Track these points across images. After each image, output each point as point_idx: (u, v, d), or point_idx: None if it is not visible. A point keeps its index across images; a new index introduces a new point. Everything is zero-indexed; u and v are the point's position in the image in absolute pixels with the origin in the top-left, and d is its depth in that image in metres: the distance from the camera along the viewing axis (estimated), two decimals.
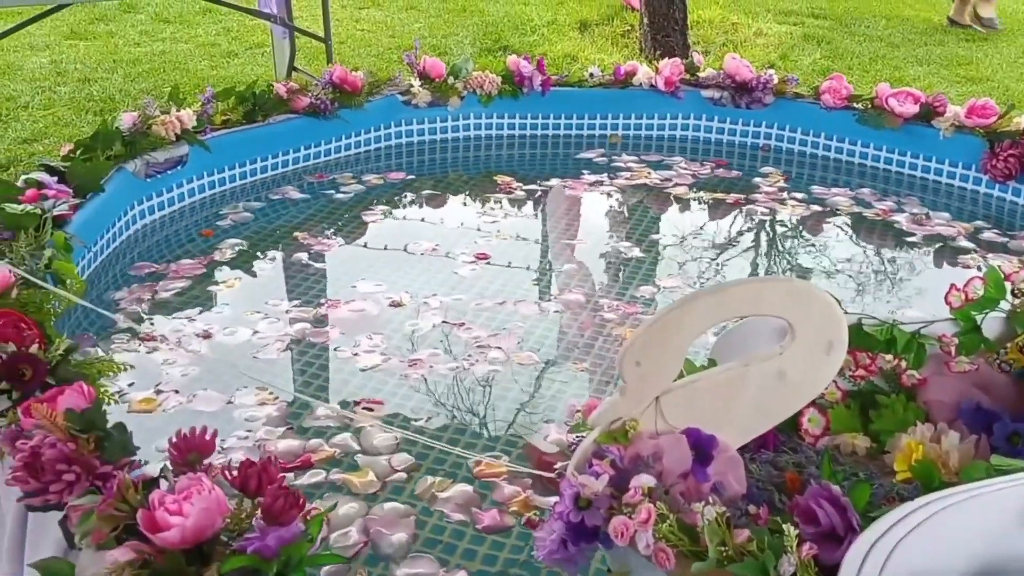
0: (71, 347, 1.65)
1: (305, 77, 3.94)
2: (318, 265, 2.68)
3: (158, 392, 2.03)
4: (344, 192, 3.18)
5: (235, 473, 1.31)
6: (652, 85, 3.68)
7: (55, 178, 2.45)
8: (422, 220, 3.02)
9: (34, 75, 5.60)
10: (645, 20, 6.24)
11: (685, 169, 3.44)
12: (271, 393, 2.02)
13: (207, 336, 2.28)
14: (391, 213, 3.05)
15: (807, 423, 1.58)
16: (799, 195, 3.21)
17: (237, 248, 2.74)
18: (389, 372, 2.16)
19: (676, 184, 3.32)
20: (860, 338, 1.64)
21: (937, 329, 1.65)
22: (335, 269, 2.68)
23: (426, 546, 1.65)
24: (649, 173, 3.40)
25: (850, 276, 2.71)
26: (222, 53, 6.19)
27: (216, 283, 2.55)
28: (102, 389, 1.59)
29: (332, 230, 2.89)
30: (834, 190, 3.25)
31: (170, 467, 1.37)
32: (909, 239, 2.92)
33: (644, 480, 1.29)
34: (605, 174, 3.40)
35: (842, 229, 3.00)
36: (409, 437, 1.87)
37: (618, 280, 2.67)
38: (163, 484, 1.34)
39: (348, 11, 7.27)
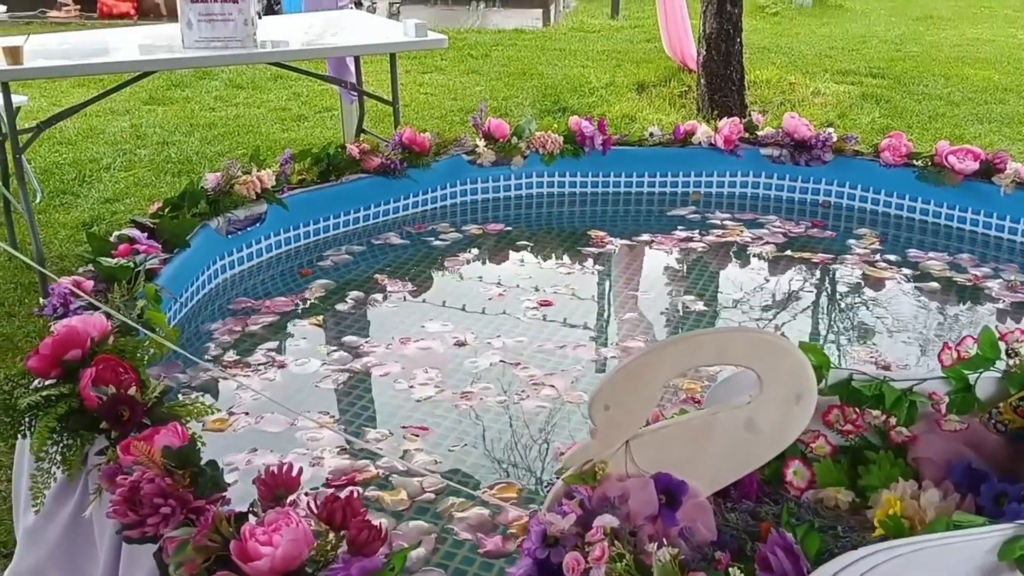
0: (165, 390, 1.75)
1: (374, 139, 4.10)
2: (393, 305, 2.86)
3: (230, 413, 2.20)
4: (442, 240, 3.34)
5: (321, 507, 1.38)
6: (711, 144, 3.75)
7: (145, 234, 2.59)
8: (499, 268, 3.17)
9: (115, 138, 5.90)
10: (703, 81, 6.35)
11: (779, 228, 3.44)
12: (332, 417, 2.21)
13: (282, 366, 2.46)
14: (475, 261, 3.20)
15: (792, 475, 1.59)
16: (892, 257, 3.17)
17: (327, 288, 2.93)
18: (440, 403, 2.29)
19: (766, 242, 3.31)
20: (849, 393, 1.64)
21: (929, 387, 1.65)
22: (409, 309, 2.85)
23: (445, 559, 1.75)
24: (741, 231, 3.41)
25: (920, 333, 2.72)
26: (292, 117, 6.45)
27: (301, 318, 2.75)
28: (192, 432, 1.68)
29: (412, 274, 3.05)
30: (931, 254, 3.18)
31: (259, 502, 1.45)
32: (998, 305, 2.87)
33: (607, 520, 1.33)
34: (697, 231, 3.43)
35: (931, 294, 2.97)
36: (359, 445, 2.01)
37: (678, 332, 2.73)
38: (252, 518, 1.42)
39: (412, 75, 7.52)
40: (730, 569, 1.24)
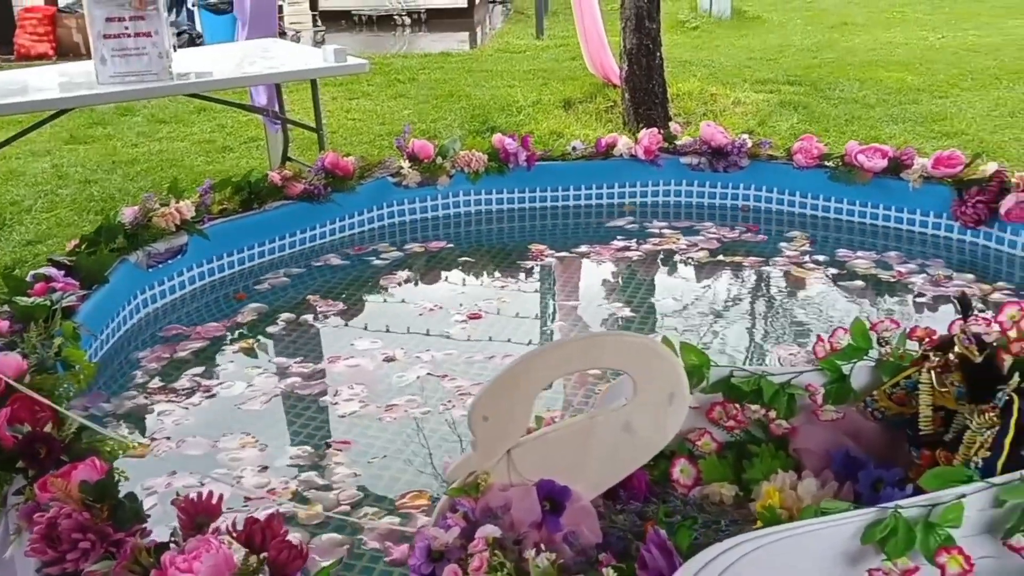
0: (81, 427, 1.73)
1: (299, 166, 4.09)
2: (324, 326, 2.87)
3: (152, 439, 2.23)
4: (383, 259, 3.37)
5: (240, 530, 1.38)
6: (632, 155, 3.83)
7: (62, 272, 2.56)
8: (432, 287, 3.21)
9: (36, 179, 5.78)
10: (627, 95, 6.46)
11: (714, 234, 3.50)
12: (252, 436, 2.23)
13: (207, 391, 2.47)
14: (412, 280, 3.23)
15: (678, 473, 1.62)
16: (821, 258, 3.24)
17: (259, 311, 2.94)
18: (365, 417, 2.32)
19: (700, 248, 3.37)
20: (730, 389, 1.68)
21: (807, 379, 1.69)
22: (340, 329, 2.87)
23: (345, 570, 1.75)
24: (678, 238, 3.47)
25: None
26: (217, 148, 6.39)
27: (231, 343, 2.76)
28: (111, 464, 1.66)
29: (345, 294, 3.07)
30: (859, 253, 3.26)
31: (179, 530, 1.44)
32: (920, 299, 2.95)
33: (488, 531, 1.35)
34: (635, 240, 3.48)
35: (857, 291, 3.04)
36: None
37: None
38: (172, 547, 1.41)
39: (339, 102, 7.51)
40: (606, 569, 1.25)
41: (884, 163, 3.43)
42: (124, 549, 1.37)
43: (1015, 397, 1.45)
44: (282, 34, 7.94)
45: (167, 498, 1.90)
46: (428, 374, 2.52)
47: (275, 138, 5.15)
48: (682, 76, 7.89)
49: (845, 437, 1.63)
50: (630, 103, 6.43)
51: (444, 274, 3.30)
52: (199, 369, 2.59)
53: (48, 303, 2.30)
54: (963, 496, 1.28)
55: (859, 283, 3.06)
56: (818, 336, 1.72)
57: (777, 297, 3.09)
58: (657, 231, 3.57)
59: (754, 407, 1.65)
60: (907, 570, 1.24)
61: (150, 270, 2.92)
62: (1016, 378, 1.45)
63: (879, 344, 1.63)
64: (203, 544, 1.35)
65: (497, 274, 3.27)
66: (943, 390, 1.50)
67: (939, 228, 3.36)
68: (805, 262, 3.23)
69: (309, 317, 2.91)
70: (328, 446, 2.19)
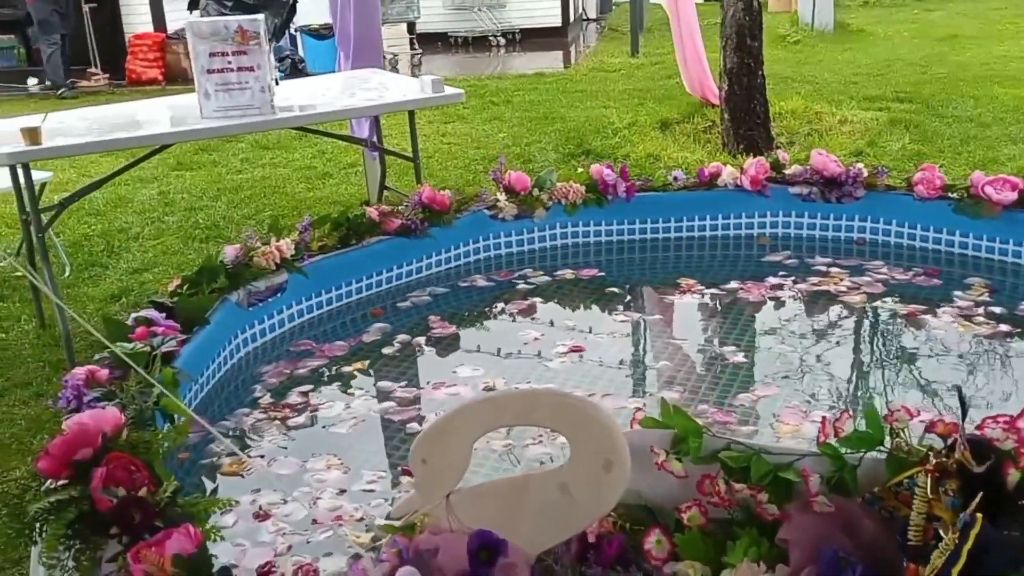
0: (178, 488, 1.69)
1: (396, 195, 4.07)
2: (437, 348, 2.93)
3: (249, 456, 2.33)
4: (530, 283, 3.39)
5: None
6: (738, 185, 3.67)
7: (163, 314, 2.56)
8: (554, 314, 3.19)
9: (144, 207, 5.93)
10: (726, 116, 6.27)
11: (883, 275, 3.22)
12: (339, 459, 2.28)
13: (315, 409, 2.57)
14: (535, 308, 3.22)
15: (651, 544, 1.52)
16: (997, 310, 2.88)
17: (383, 331, 3.02)
18: None
19: (861, 291, 3.11)
20: (722, 464, 1.54)
21: (809, 463, 1.52)
22: (450, 354, 2.91)
23: None
24: (842, 278, 3.22)
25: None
26: (318, 175, 6.46)
27: (348, 363, 2.83)
28: (208, 527, 1.62)
29: (466, 320, 3.13)
30: None
31: None
32: None
33: (405, 572, 1.40)
34: (792, 277, 3.28)
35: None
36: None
37: (718, 383, 2.64)
38: None
39: (434, 126, 7.53)
40: None
41: (1014, 196, 3.20)
42: None
43: (979, 520, 1.27)
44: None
45: (248, 514, 2.03)
46: None
47: (373, 165, 5.16)
48: (784, 93, 7.65)
49: (840, 534, 1.46)
50: (730, 124, 6.25)
51: (599, 303, 3.27)
52: (308, 387, 2.68)
53: (148, 348, 2.30)
54: None
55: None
56: (823, 417, 1.55)
57: (924, 362, 2.73)
58: (824, 268, 3.33)
59: (739, 486, 1.51)
60: None
61: (250, 309, 2.91)
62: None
63: (890, 436, 1.44)
64: None
65: (619, 307, 3.22)
66: (935, 499, 1.31)
67: None
68: (976, 314, 2.88)
69: (422, 340, 2.96)
70: (406, 473, 2.16)
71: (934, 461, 1.34)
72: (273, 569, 1.71)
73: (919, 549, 1.37)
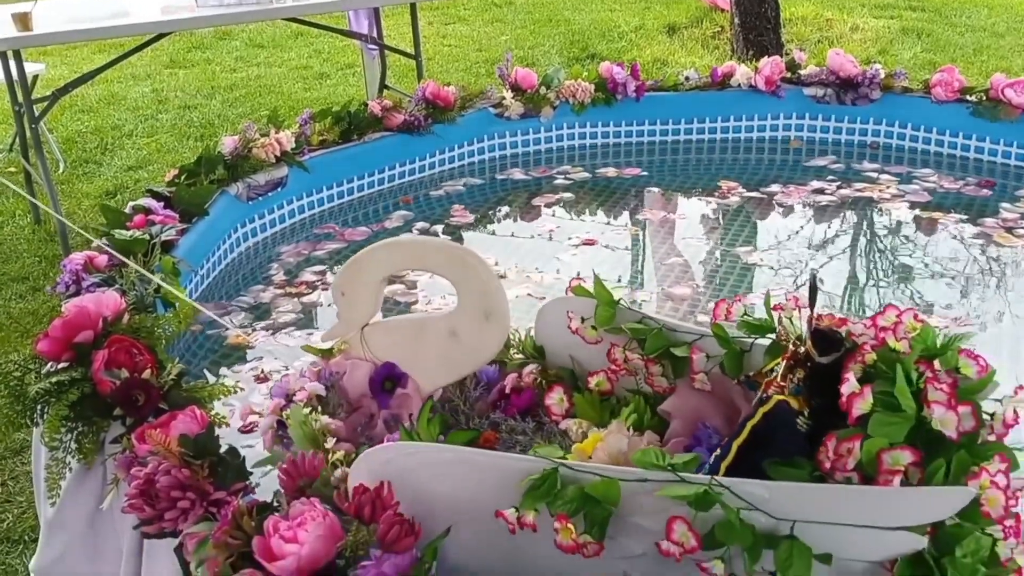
0: (183, 372, 1.65)
1: (397, 95, 3.95)
2: (448, 238, 2.89)
3: (253, 329, 2.41)
4: (568, 179, 3.37)
5: (350, 500, 1.28)
6: (751, 85, 3.57)
7: (161, 203, 2.49)
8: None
9: (137, 104, 5.79)
10: (736, 20, 6.10)
11: (933, 183, 3.11)
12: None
13: (314, 288, 2.61)
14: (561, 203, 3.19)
15: (551, 399, 1.60)
16: None
17: (405, 219, 3.05)
18: None
19: (908, 200, 3.01)
20: (634, 333, 1.57)
21: (706, 344, 1.53)
22: (465, 243, 2.88)
23: None
24: (887, 185, 3.12)
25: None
26: (314, 75, 6.29)
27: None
28: (212, 412, 1.58)
29: (494, 209, 3.14)
30: None
31: (283, 494, 1.35)
32: None
33: (312, 387, 1.58)
34: (837, 182, 3.18)
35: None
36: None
37: (716, 282, 2.61)
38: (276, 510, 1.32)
39: (435, 27, 7.32)
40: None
41: None
42: (225, 512, 1.29)
43: (772, 400, 1.29)
44: None
45: (249, 380, 2.14)
46: (528, 294, 2.51)
47: (372, 65, 5.00)
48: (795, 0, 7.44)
49: (718, 414, 1.49)
50: (740, 28, 6.07)
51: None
52: (322, 268, 2.72)
53: (147, 236, 2.24)
54: (644, 480, 1.19)
55: None
56: (720, 299, 1.55)
57: (962, 272, 2.65)
58: (874, 174, 3.22)
59: (633, 356, 1.55)
60: (528, 523, 1.22)
61: (250, 202, 2.84)
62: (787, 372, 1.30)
63: (779, 324, 1.43)
64: (308, 509, 1.26)
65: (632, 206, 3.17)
66: (782, 384, 1.31)
67: None
68: (1021, 226, 2.81)
69: (439, 229, 2.96)
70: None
71: (791, 350, 1.34)
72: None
73: None
